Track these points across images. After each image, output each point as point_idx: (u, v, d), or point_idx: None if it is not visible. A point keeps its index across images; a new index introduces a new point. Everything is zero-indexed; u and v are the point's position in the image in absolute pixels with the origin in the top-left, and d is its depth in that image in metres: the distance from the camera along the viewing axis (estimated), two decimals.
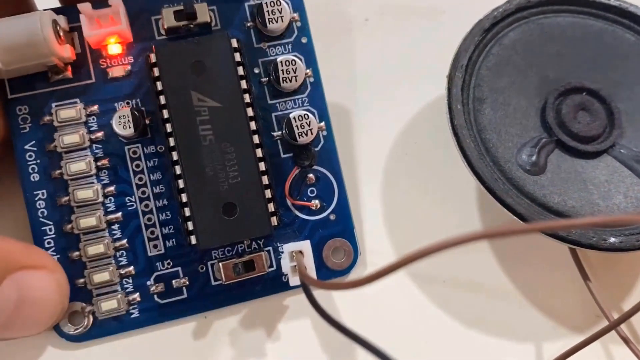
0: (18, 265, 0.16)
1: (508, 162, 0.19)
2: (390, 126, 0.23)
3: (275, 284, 0.20)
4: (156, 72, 0.19)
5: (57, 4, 0.20)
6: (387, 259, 0.21)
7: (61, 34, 0.19)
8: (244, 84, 0.19)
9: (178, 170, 0.19)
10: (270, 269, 0.20)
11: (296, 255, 0.19)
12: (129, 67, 0.20)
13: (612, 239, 0.18)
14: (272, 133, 0.20)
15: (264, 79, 0.20)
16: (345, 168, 0.21)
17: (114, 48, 0.20)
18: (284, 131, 0.20)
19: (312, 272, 0.19)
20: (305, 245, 0.19)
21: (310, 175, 0.21)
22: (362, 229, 0.22)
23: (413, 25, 0.24)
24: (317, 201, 0.21)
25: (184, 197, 0.19)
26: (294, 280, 0.18)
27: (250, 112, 0.19)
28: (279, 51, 0.21)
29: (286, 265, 0.19)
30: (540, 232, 0.18)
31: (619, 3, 0.22)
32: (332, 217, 0.21)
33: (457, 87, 0.20)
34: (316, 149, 0.21)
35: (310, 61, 0.21)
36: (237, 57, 0.19)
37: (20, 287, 0.16)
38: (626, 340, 0.19)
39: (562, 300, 0.21)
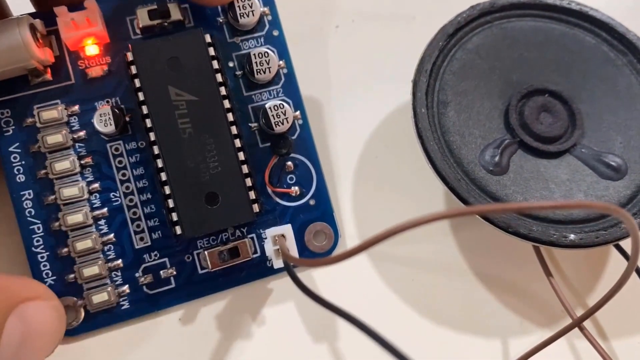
0: (18, 299, 0.17)
1: (471, 163, 0.20)
2: (362, 125, 0.24)
3: (260, 269, 0.21)
4: (133, 69, 0.19)
5: (32, 9, 0.21)
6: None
7: (39, 37, 0.19)
8: (219, 77, 0.20)
9: (160, 163, 0.19)
10: (254, 255, 0.21)
11: (279, 238, 0.19)
12: (107, 67, 0.20)
13: (572, 236, 0.19)
14: (250, 124, 0.21)
15: (238, 72, 0.21)
16: (325, 159, 0.22)
17: (92, 49, 0.20)
18: (261, 121, 0.21)
19: (294, 254, 0.20)
20: (287, 229, 0.19)
21: (289, 163, 0.21)
22: (340, 215, 0.22)
23: (384, 31, 0.25)
24: (296, 187, 0.21)
25: (167, 190, 0.19)
26: (278, 263, 0.19)
27: (226, 104, 0.20)
28: (252, 44, 0.21)
29: (269, 249, 0.19)
30: (499, 229, 0.19)
31: (580, 7, 0.22)
32: (311, 202, 0.21)
33: (421, 92, 0.20)
34: (293, 138, 0.21)
35: (283, 53, 0.22)
36: (211, 51, 0.20)
37: (24, 321, 0.17)
38: (589, 338, 0.20)
39: (529, 296, 0.22)
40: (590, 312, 0.18)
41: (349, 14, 0.25)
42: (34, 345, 0.17)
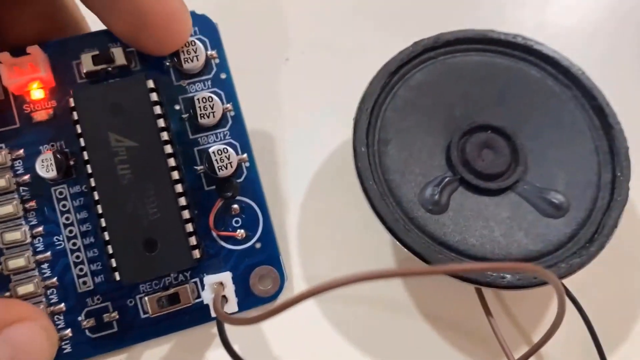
0: (4, 322, 0.17)
1: (410, 202, 0.20)
2: (311, 159, 0.24)
3: (203, 314, 0.21)
4: (75, 115, 0.19)
5: None
6: (312, 284, 0.22)
7: None
8: (161, 122, 0.20)
9: (100, 209, 0.19)
10: (197, 300, 0.21)
11: (216, 287, 0.19)
12: (52, 111, 0.20)
13: (509, 277, 0.19)
14: (195, 167, 0.21)
15: (184, 115, 0.21)
16: (271, 197, 0.22)
17: (37, 93, 0.20)
18: (205, 165, 0.21)
19: (233, 302, 0.20)
20: (225, 277, 0.19)
21: (235, 205, 0.21)
22: (289, 256, 0.22)
23: (334, 63, 0.25)
24: (242, 231, 0.21)
25: (106, 235, 0.19)
26: (214, 313, 0.19)
27: (168, 149, 0.20)
28: (199, 87, 0.21)
29: (207, 297, 0.19)
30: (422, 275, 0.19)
31: (525, 41, 0.22)
32: (257, 245, 0.21)
33: (361, 130, 0.20)
34: (239, 181, 0.21)
35: (231, 96, 0.21)
36: (154, 96, 0.20)
37: (11, 345, 0.17)
38: None
39: (473, 335, 0.22)
40: (525, 357, 0.18)
41: (299, 46, 0.25)
42: None
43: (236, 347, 0.21)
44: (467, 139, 0.21)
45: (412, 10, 0.26)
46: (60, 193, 0.20)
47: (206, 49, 0.21)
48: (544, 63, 0.22)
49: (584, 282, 0.22)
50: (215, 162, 0.21)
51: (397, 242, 0.19)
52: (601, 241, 0.20)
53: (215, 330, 0.21)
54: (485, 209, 0.21)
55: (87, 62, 0.20)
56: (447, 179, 0.21)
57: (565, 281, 0.21)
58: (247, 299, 0.21)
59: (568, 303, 0.21)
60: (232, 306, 0.20)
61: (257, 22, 0.25)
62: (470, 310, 0.22)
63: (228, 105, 0.21)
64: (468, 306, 0.22)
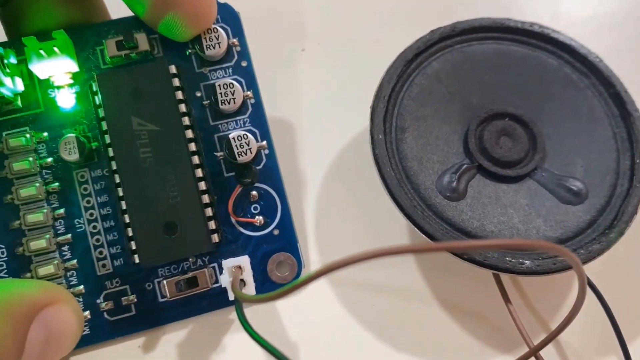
0: (40, 305, 0.17)
1: (428, 189, 0.20)
2: (328, 148, 0.24)
3: (221, 299, 0.21)
4: (98, 99, 0.20)
5: (4, 38, 0.21)
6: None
7: (7, 67, 0.20)
8: (182, 108, 0.20)
9: (120, 192, 0.20)
10: (215, 285, 0.21)
11: (235, 270, 0.19)
12: (75, 96, 0.21)
13: (528, 263, 0.19)
14: (215, 153, 0.21)
15: (205, 102, 0.21)
16: (289, 184, 0.22)
17: (61, 78, 0.21)
18: (225, 151, 0.21)
19: (251, 286, 0.20)
20: (244, 260, 0.20)
21: (254, 192, 0.21)
22: (307, 243, 0.22)
23: (349, 53, 0.25)
24: (260, 217, 0.21)
25: (126, 218, 0.19)
26: (232, 295, 0.19)
27: (189, 134, 0.20)
28: (220, 75, 0.22)
29: (225, 280, 0.19)
30: (454, 255, 0.19)
31: (542, 29, 0.22)
32: (275, 232, 0.21)
33: (379, 118, 0.20)
34: (258, 167, 0.21)
35: (251, 83, 0.22)
36: (176, 82, 0.20)
37: (46, 326, 0.17)
38: None
39: (490, 322, 0.22)
40: (544, 343, 0.18)
41: (315, 37, 0.25)
42: (56, 345, 0.18)
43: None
44: (484, 127, 0.21)
45: (429, 0, 0.27)
46: (82, 176, 0.21)
47: (228, 37, 0.21)
48: (561, 51, 0.22)
49: (604, 269, 0.22)
50: (235, 148, 0.21)
51: (416, 229, 0.19)
52: (620, 228, 0.20)
53: (232, 315, 0.22)
54: (503, 196, 0.21)
55: (111, 48, 0.21)
56: (464, 166, 0.21)
57: (585, 268, 0.21)
58: (265, 285, 0.21)
59: (587, 290, 0.21)
60: (250, 289, 0.20)
61: (274, 13, 0.26)
62: (489, 298, 0.22)
63: (249, 92, 0.22)
64: (486, 294, 0.22)
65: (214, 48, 0.21)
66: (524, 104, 0.22)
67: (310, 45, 0.25)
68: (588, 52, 0.22)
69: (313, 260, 0.22)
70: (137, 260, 0.19)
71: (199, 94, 0.21)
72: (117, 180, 0.20)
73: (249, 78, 0.22)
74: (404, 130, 0.21)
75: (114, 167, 0.20)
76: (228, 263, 0.19)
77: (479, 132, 0.21)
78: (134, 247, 0.19)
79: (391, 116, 0.21)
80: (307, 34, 0.25)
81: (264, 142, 0.22)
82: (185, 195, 0.20)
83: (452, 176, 0.20)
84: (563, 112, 0.22)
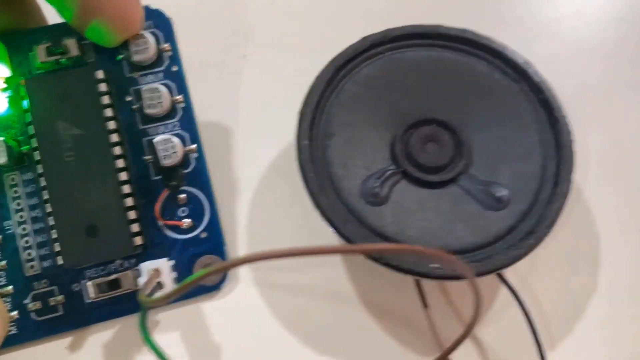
0: None
1: (351, 194, 0.20)
2: (263, 153, 0.24)
3: None
4: (25, 105, 0.20)
5: None
6: (259, 277, 0.22)
7: None
8: (108, 112, 0.20)
9: (46, 195, 0.20)
10: (138, 287, 0.21)
11: (153, 273, 0.20)
12: (8, 100, 0.21)
13: (442, 268, 0.19)
14: (143, 157, 0.22)
15: (135, 106, 0.22)
16: (223, 188, 0.23)
17: None
18: (152, 155, 0.21)
19: (168, 288, 0.20)
20: (161, 263, 0.20)
21: (182, 195, 0.22)
22: (237, 246, 0.23)
23: (290, 60, 0.25)
24: (188, 220, 0.22)
25: (50, 221, 0.20)
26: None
27: (114, 138, 0.20)
28: (150, 79, 0.22)
29: (143, 283, 0.20)
30: (371, 260, 0.19)
31: (473, 35, 0.22)
32: (203, 235, 0.22)
33: (305, 124, 0.21)
34: (186, 171, 0.22)
35: (182, 88, 0.22)
36: (103, 87, 0.21)
37: None
38: None
39: (413, 326, 0.22)
40: (448, 350, 0.18)
41: (256, 42, 0.25)
42: None
43: (176, 334, 0.22)
44: (412, 133, 0.21)
45: (387, 6, 0.27)
46: (12, 179, 0.21)
47: (158, 43, 0.22)
48: (492, 57, 0.22)
49: (528, 273, 0.22)
50: (159, 152, 0.21)
51: (335, 233, 0.20)
52: (540, 233, 0.20)
53: (158, 317, 0.22)
54: (426, 202, 0.21)
55: (41, 53, 0.21)
56: (389, 172, 0.21)
57: (509, 272, 0.21)
58: (192, 287, 0.21)
59: (508, 295, 0.21)
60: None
61: (217, 18, 0.26)
62: (413, 301, 0.22)
63: (178, 97, 0.22)
64: (409, 297, 0.22)
65: (142, 53, 0.21)
66: (454, 110, 0.22)
67: (252, 51, 0.25)
68: (518, 57, 0.22)
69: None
70: (60, 262, 0.20)
71: (129, 99, 0.22)
72: (43, 184, 0.20)
73: (179, 82, 0.22)
74: (331, 136, 0.21)
75: (40, 171, 0.20)
76: (146, 266, 0.20)
77: (406, 138, 0.21)
78: (58, 249, 0.20)
79: (318, 122, 0.21)
80: (248, 40, 0.25)
81: (194, 146, 0.22)
82: (107, 198, 0.20)
83: (376, 181, 0.20)
84: (492, 118, 0.22)
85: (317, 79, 0.22)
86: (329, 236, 0.23)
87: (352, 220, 0.20)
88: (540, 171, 0.21)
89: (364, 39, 0.22)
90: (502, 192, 0.20)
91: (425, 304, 0.20)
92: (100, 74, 0.21)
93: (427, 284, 0.22)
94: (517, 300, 0.20)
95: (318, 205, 0.20)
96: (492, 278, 0.21)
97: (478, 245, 0.20)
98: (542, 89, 0.21)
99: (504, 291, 0.21)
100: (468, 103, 0.22)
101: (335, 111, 0.21)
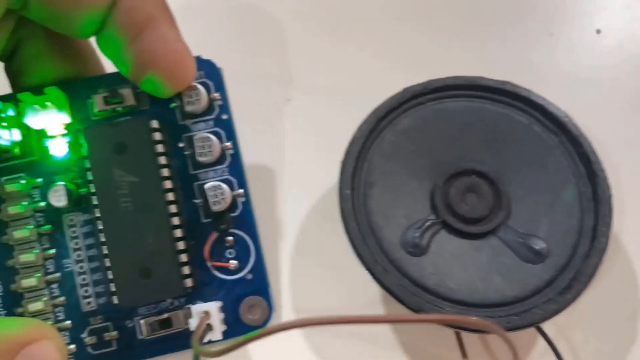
0: (22, 343, 0.18)
1: (391, 244, 0.21)
2: (307, 197, 0.25)
3: None
4: (84, 152, 0.21)
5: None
6: (300, 315, 0.23)
7: (4, 120, 0.22)
8: (162, 160, 0.22)
9: (102, 237, 0.21)
10: (187, 326, 0.22)
11: (202, 316, 0.21)
12: (68, 145, 0.23)
13: None
14: (194, 200, 0.23)
15: (187, 152, 0.23)
16: (267, 231, 0.23)
17: (54, 129, 0.22)
18: (202, 199, 0.22)
19: (218, 330, 0.21)
20: (211, 306, 0.21)
21: (229, 237, 0.23)
22: (280, 287, 0.24)
23: (331, 107, 0.26)
24: (235, 262, 0.23)
25: (107, 262, 0.21)
26: (204, 338, 0.21)
27: (167, 184, 0.21)
28: (201, 127, 0.23)
29: (194, 324, 0.21)
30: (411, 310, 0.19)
31: (514, 88, 0.23)
32: (249, 276, 0.23)
33: (347, 173, 0.21)
34: (234, 214, 0.23)
35: (231, 135, 0.23)
36: (157, 136, 0.22)
37: None
38: None
39: None
40: None
41: (301, 88, 0.26)
42: None
43: None
44: (451, 183, 0.22)
45: (424, 51, 0.27)
46: (71, 220, 0.22)
47: (209, 92, 0.23)
48: (532, 109, 0.23)
49: (565, 323, 0.22)
50: (210, 198, 0.22)
51: (376, 282, 0.20)
52: (578, 288, 0.20)
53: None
54: (465, 253, 0.21)
55: (99, 102, 0.22)
56: (429, 222, 0.21)
57: (546, 322, 0.21)
58: (237, 326, 0.22)
59: (545, 345, 0.22)
60: (216, 334, 0.21)
61: (263, 66, 0.27)
62: (453, 350, 0.22)
63: (227, 143, 0.23)
64: (450, 345, 0.22)
65: (194, 104, 0.22)
66: (492, 161, 0.22)
67: (296, 96, 0.26)
68: (558, 110, 0.22)
69: (285, 304, 0.23)
70: (116, 301, 0.21)
71: (181, 145, 0.23)
72: (100, 227, 0.21)
73: (228, 130, 0.23)
74: (372, 185, 0.22)
75: (97, 214, 0.21)
76: (197, 308, 0.21)
77: (446, 188, 0.22)
78: (113, 289, 0.21)
79: (360, 171, 0.22)
80: (293, 86, 0.27)
81: (241, 191, 0.23)
82: (160, 242, 0.21)
83: (416, 231, 0.21)
84: (530, 170, 0.22)
85: (359, 129, 0.22)
86: (367, 281, 0.24)
87: (392, 270, 0.21)
88: (578, 225, 0.21)
89: (405, 89, 0.23)
90: (540, 245, 0.21)
91: (464, 354, 0.21)
92: (154, 124, 0.22)
93: (466, 334, 0.22)
94: (554, 351, 0.21)
95: (359, 254, 0.21)
96: (530, 331, 0.21)
97: (516, 298, 0.20)
98: (581, 143, 0.22)
99: (541, 341, 0.22)
100: (507, 154, 0.22)
101: (376, 160, 0.22)
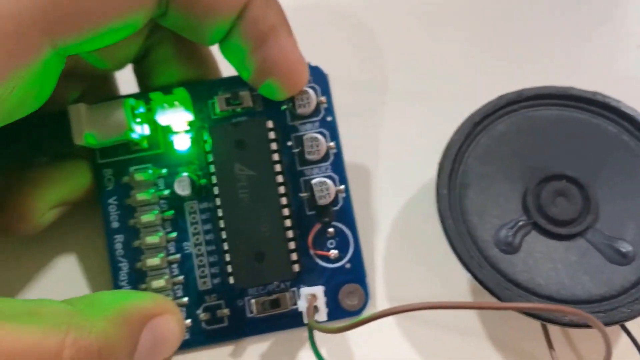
0: (150, 315, 0.21)
1: (485, 242, 0.23)
2: (401, 193, 0.27)
3: (297, 319, 0.24)
4: (207, 147, 0.24)
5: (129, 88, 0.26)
6: (393, 304, 0.25)
7: (138, 116, 0.24)
8: (275, 157, 0.24)
9: (221, 224, 0.24)
10: (293, 307, 0.24)
11: (310, 298, 0.23)
12: (190, 140, 0.25)
13: (571, 316, 0.21)
14: (300, 194, 0.25)
15: (295, 150, 0.25)
16: (362, 224, 0.26)
17: (179, 125, 0.25)
18: (308, 193, 0.25)
19: (323, 312, 0.23)
20: (318, 290, 0.23)
21: (331, 229, 0.25)
22: (375, 277, 0.26)
23: (424, 109, 0.28)
24: (335, 251, 0.25)
25: (225, 246, 0.24)
26: (307, 320, 0.23)
27: (280, 179, 0.24)
28: (308, 128, 0.25)
29: (302, 306, 0.23)
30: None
31: (604, 98, 0.24)
32: (347, 265, 0.25)
33: (444, 174, 0.23)
34: (335, 208, 0.25)
35: (334, 136, 0.25)
36: (272, 135, 0.24)
37: (155, 332, 0.21)
38: None
39: None
40: None
41: (395, 92, 0.28)
42: (162, 349, 0.22)
43: (323, 351, 0.25)
44: (542, 187, 0.23)
45: (515, 60, 0.29)
46: (192, 207, 0.25)
47: (317, 96, 0.25)
48: (621, 119, 0.24)
49: None
50: (316, 192, 0.24)
51: (471, 277, 0.22)
52: None
53: (306, 334, 0.25)
54: (554, 252, 0.23)
55: (221, 103, 0.25)
56: (521, 223, 0.23)
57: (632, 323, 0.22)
58: (336, 310, 0.24)
59: (631, 345, 0.23)
60: (322, 315, 0.23)
61: (361, 70, 0.29)
62: (537, 342, 0.24)
63: (331, 143, 0.25)
64: (535, 337, 0.24)
65: (304, 107, 0.25)
66: (582, 167, 0.24)
67: (391, 99, 0.28)
68: None
69: (379, 293, 0.25)
70: (232, 282, 0.23)
71: (289, 143, 0.25)
72: (220, 214, 0.24)
73: (332, 131, 0.25)
74: (467, 186, 0.24)
75: (218, 203, 0.24)
76: (305, 291, 0.23)
77: (537, 191, 0.23)
78: (230, 271, 0.23)
79: (456, 173, 0.24)
80: (388, 89, 0.28)
81: (342, 187, 0.25)
82: (273, 230, 0.23)
83: (509, 231, 0.23)
84: (619, 177, 0.23)
85: (456, 133, 0.24)
86: (457, 274, 0.25)
87: (486, 266, 0.22)
88: None
89: (500, 97, 0.25)
90: (627, 248, 0.22)
91: (551, 346, 0.22)
92: (270, 124, 0.24)
93: (552, 327, 0.24)
94: (638, 349, 0.22)
95: (456, 251, 0.22)
96: (614, 328, 0.22)
97: (603, 297, 0.22)
98: None
99: (624, 339, 0.23)
100: (597, 161, 0.24)
101: (471, 163, 0.24)
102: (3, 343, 0.16)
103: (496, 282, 0.22)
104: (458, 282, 0.25)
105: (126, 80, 0.27)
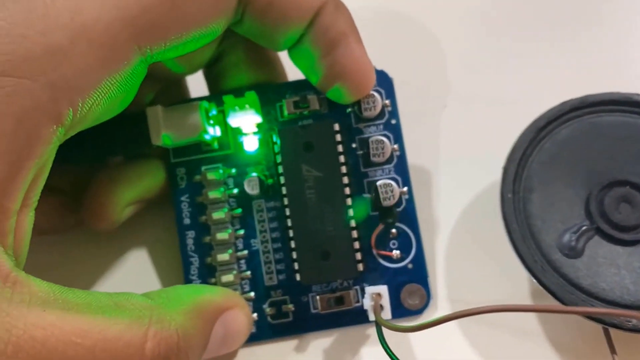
0: (222, 309, 0.22)
1: (549, 246, 0.23)
2: (463, 195, 0.27)
3: (361, 317, 0.25)
4: (276, 149, 0.25)
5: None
6: (455, 307, 0.26)
7: (211, 117, 0.25)
8: (341, 159, 0.25)
9: (289, 223, 0.25)
10: (356, 304, 0.25)
11: (375, 297, 0.24)
12: (258, 142, 0.26)
13: (635, 321, 0.21)
14: (364, 195, 0.26)
15: (359, 152, 0.26)
16: (424, 225, 0.26)
17: (248, 127, 0.26)
18: (372, 195, 0.25)
19: (387, 311, 0.24)
20: (383, 289, 0.24)
21: (393, 230, 0.25)
22: (436, 278, 0.26)
23: (487, 112, 0.28)
24: (398, 252, 0.25)
25: (292, 244, 0.24)
26: (372, 316, 0.23)
27: (345, 180, 0.25)
28: (373, 130, 0.26)
29: (367, 304, 0.24)
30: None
31: None
32: (409, 265, 0.25)
33: (509, 178, 0.24)
34: (398, 210, 0.26)
35: (398, 138, 0.26)
36: (338, 137, 0.25)
37: (226, 325, 0.22)
38: None
39: None
40: None
41: (457, 96, 0.29)
42: (231, 341, 0.23)
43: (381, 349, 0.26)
44: (605, 192, 0.24)
45: (574, 65, 0.29)
46: (259, 206, 0.26)
47: (382, 99, 0.26)
48: None
49: None
50: (381, 194, 0.25)
51: (534, 280, 0.22)
52: None
53: (368, 331, 0.26)
54: (618, 258, 0.23)
55: (289, 106, 0.26)
56: (584, 228, 0.23)
57: None
58: (398, 309, 0.25)
59: None
60: (386, 314, 0.24)
61: (423, 74, 0.30)
62: (598, 347, 0.24)
63: (395, 146, 0.26)
64: (595, 342, 0.24)
65: (370, 110, 0.25)
66: None
67: (452, 103, 0.29)
68: None
69: (440, 294, 0.26)
70: (298, 279, 0.24)
71: (354, 145, 0.26)
72: (287, 213, 0.25)
73: (396, 134, 0.26)
74: (531, 190, 0.24)
75: (285, 203, 0.25)
76: (370, 289, 0.24)
77: (600, 197, 0.24)
78: (296, 268, 0.24)
79: (520, 177, 0.24)
80: (450, 93, 0.29)
81: (405, 189, 0.26)
82: (339, 230, 0.24)
83: (572, 236, 0.23)
84: None
85: (521, 138, 0.24)
86: (518, 278, 0.26)
87: (549, 270, 0.23)
88: None
89: (564, 103, 0.25)
90: None
91: (613, 350, 0.23)
92: (336, 126, 0.25)
93: (614, 332, 0.24)
94: None
95: (520, 254, 0.23)
96: None
97: None
98: None
99: None
100: None
101: (535, 168, 0.24)
102: (92, 334, 0.17)
103: (559, 285, 0.22)
104: (518, 285, 0.26)
105: (194, 82, 0.28)
